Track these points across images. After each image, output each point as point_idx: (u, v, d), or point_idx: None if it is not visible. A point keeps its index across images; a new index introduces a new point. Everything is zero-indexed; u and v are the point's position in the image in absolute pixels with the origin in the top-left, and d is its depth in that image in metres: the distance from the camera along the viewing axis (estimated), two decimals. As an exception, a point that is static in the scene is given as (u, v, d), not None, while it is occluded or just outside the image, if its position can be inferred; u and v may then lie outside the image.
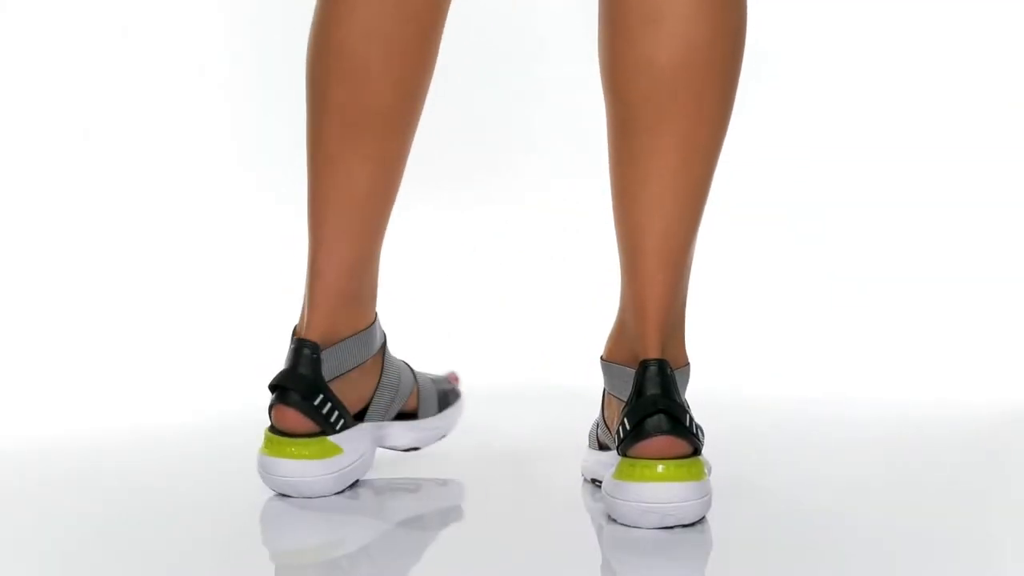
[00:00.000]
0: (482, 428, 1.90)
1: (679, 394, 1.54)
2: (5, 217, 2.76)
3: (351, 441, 1.66)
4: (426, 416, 1.79)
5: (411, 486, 1.70)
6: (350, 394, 1.67)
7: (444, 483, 1.72)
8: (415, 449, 1.78)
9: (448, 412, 1.82)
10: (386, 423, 1.74)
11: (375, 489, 1.69)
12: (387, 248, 1.72)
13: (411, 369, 1.79)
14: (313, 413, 1.63)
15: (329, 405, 1.64)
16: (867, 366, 2.34)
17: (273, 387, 1.65)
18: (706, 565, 1.48)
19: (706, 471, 1.54)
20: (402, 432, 1.76)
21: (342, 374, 1.66)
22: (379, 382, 1.71)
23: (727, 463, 1.71)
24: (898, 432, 1.97)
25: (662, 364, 1.53)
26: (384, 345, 1.73)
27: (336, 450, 1.65)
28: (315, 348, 1.64)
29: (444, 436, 1.82)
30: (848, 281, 2.67)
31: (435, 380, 1.83)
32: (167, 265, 2.73)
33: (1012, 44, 2.85)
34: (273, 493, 1.66)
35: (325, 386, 1.64)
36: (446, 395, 1.83)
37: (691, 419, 1.54)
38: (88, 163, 2.83)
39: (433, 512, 1.64)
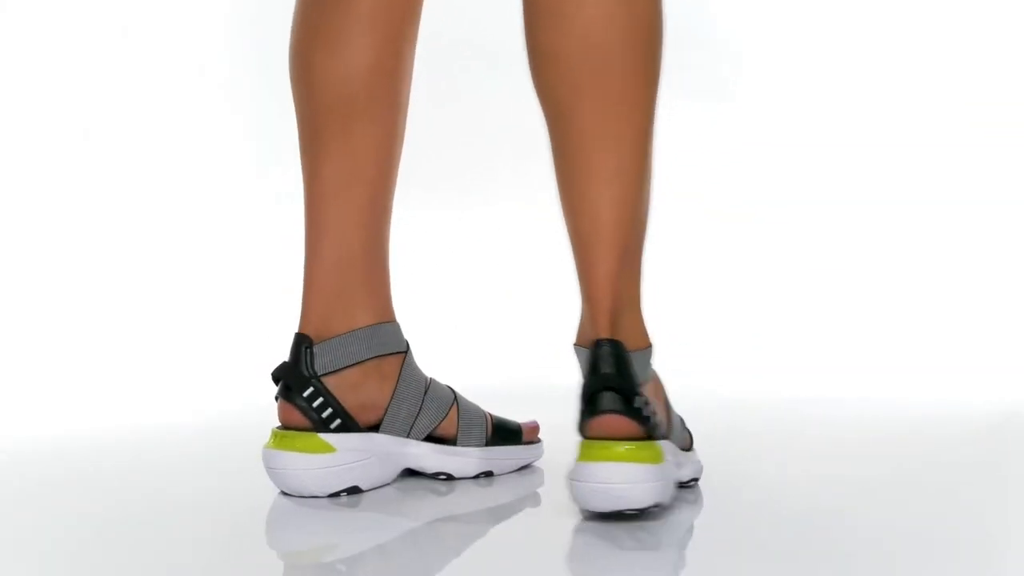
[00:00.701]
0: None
1: (633, 374, 1.53)
2: (5, 217, 2.77)
3: (348, 443, 1.65)
4: (466, 445, 1.75)
5: (410, 486, 1.70)
6: (352, 397, 1.66)
7: (443, 483, 1.72)
8: (448, 477, 1.73)
9: (498, 449, 1.76)
10: (412, 441, 1.71)
11: (374, 490, 1.69)
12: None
13: (454, 394, 1.75)
14: (303, 407, 1.64)
15: (321, 400, 1.64)
16: (866, 366, 2.34)
17: (274, 380, 1.66)
18: (704, 565, 1.48)
19: (667, 458, 1.53)
20: (429, 454, 1.72)
21: (337, 370, 1.66)
22: (394, 393, 1.71)
23: (724, 463, 1.71)
24: (897, 432, 1.97)
25: (614, 344, 1.53)
26: (404, 357, 1.71)
27: (325, 448, 1.64)
28: (307, 341, 1.65)
29: (491, 473, 1.75)
30: (848, 281, 2.67)
31: (496, 417, 1.78)
32: (167, 265, 2.73)
33: (994, 39, 2.85)
34: (273, 494, 1.66)
35: (317, 381, 1.64)
36: (506, 433, 1.77)
37: (647, 403, 1.54)
38: (88, 163, 2.83)
39: (431, 511, 1.64)
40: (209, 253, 2.76)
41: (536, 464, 1.79)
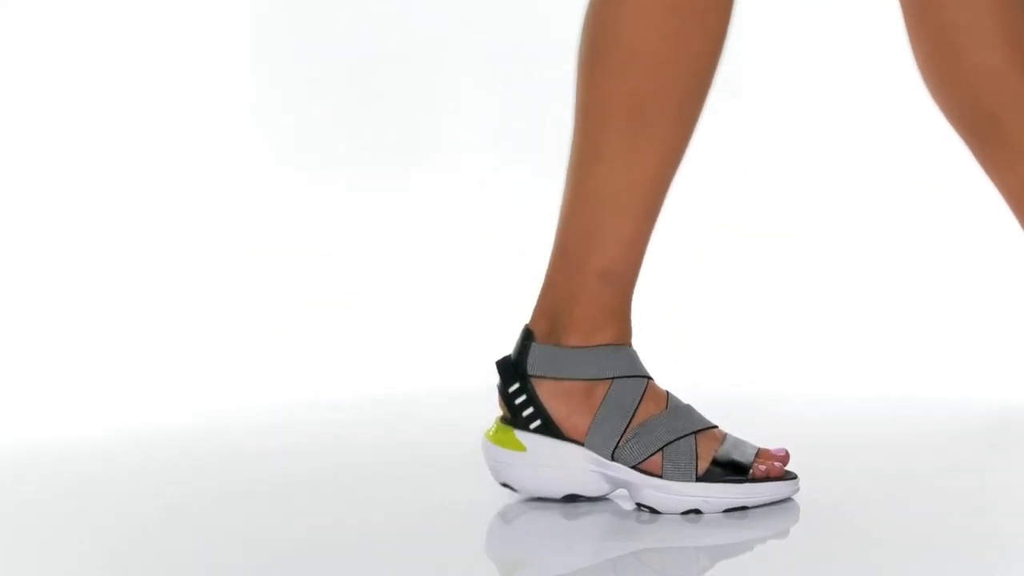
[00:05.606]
0: (483, 426, 1.90)
1: (525, 362, 1.58)
2: (5, 217, 2.77)
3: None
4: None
5: (409, 483, 1.71)
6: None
7: (441, 482, 1.72)
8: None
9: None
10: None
11: (373, 487, 1.69)
12: (386, 247, 1.72)
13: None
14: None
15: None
16: (866, 365, 2.34)
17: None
18: (702, 564, 1.49)
19: (524, 445, 1.56)
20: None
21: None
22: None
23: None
24: (898, 432, 1.97)
25: (525, 329, 1.60)
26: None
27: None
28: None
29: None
30: (847, 280, 2.67)
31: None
32: (168, 265, 2.73)
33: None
34: (272, 494, 1.66)
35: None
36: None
37: (526, 391, 1.58)
38: (88, 163, 2.83)
39: (428, 509, 1.64)
40: (210, 253, 2.76)
41: None
